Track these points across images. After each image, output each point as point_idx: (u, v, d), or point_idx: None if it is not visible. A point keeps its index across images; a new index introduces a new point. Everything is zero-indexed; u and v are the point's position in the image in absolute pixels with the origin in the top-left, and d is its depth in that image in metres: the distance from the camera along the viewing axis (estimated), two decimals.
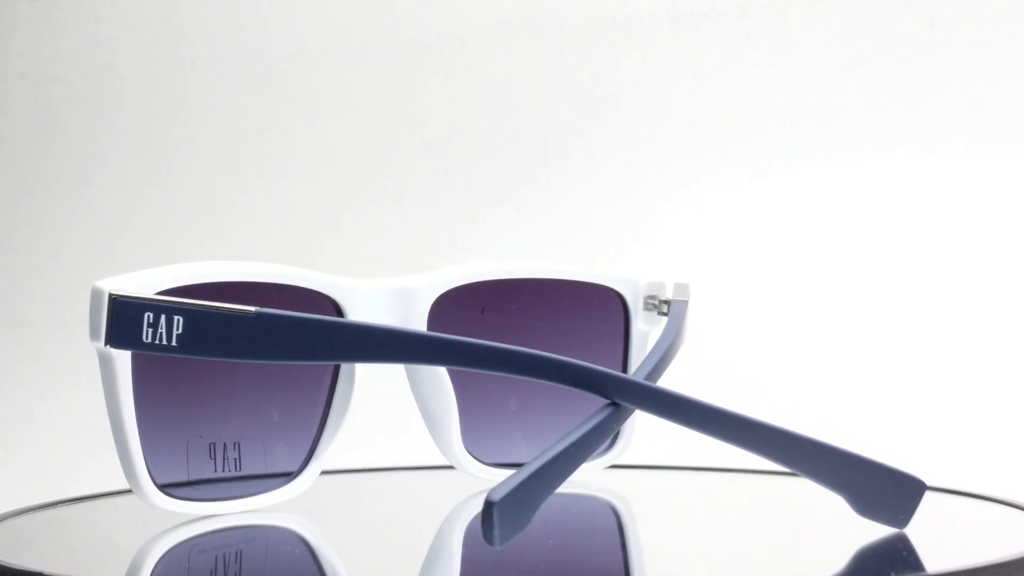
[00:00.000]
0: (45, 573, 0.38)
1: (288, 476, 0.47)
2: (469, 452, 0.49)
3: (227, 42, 1.04)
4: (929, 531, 0.45)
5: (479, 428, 0.50)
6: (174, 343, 0.39)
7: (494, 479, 0.48)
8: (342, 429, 0.47)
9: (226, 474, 0.46)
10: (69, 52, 1.07)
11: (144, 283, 0.43)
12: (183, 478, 0.45)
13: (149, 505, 0.44)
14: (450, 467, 0.50)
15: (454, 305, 0.48)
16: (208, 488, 0.45)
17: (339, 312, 0.47)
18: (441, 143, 1.00)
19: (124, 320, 0.40)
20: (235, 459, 0.46)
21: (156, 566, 0.42)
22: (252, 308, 0.39)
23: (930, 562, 0.40)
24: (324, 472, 0.48)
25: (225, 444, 0.46)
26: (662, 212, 0.95)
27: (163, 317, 0.40)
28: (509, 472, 0.38)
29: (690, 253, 0.93)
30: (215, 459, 0.46)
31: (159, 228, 1.04)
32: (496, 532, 0.37)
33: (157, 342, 0.40)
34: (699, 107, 0.95)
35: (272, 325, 0.40)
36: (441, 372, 0.48)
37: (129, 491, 0.45)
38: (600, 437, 0.40)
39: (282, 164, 1.03)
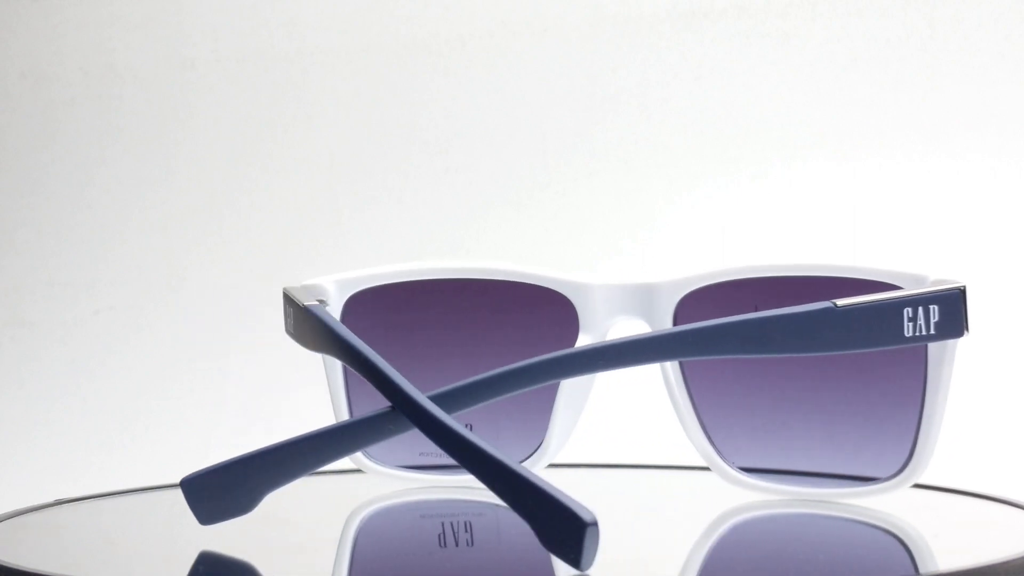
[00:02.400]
0: None
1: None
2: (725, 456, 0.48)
3: (227, 42, 1.04)
4: (929, 531, 0.45)
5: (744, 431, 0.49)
6: None
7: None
8: None
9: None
10: (69, 52, 1.07)
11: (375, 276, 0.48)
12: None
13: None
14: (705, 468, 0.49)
15: (700, 304, 0.47)
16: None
17: (573, 310, 0.47)
18: (441, 143, 1.00)
19: None
20: None
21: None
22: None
23: (930, 562, 0.40)
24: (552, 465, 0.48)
25: None
26: (662, 212, 0.95)
27: None
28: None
29: (690, 253, 0.93)
30: None
31: (159, 228, 1.04)
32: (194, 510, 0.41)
33: None
34: (699, 107, 0.95)
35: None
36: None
37: (129, 491, 0.45)
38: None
39: (282, 164, 1.03)
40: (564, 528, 0.36)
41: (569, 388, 0.47)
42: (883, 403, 0.48)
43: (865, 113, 0.92)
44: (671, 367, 0.47)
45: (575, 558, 0.36)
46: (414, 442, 0.45)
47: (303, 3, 1.03)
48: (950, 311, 0.44)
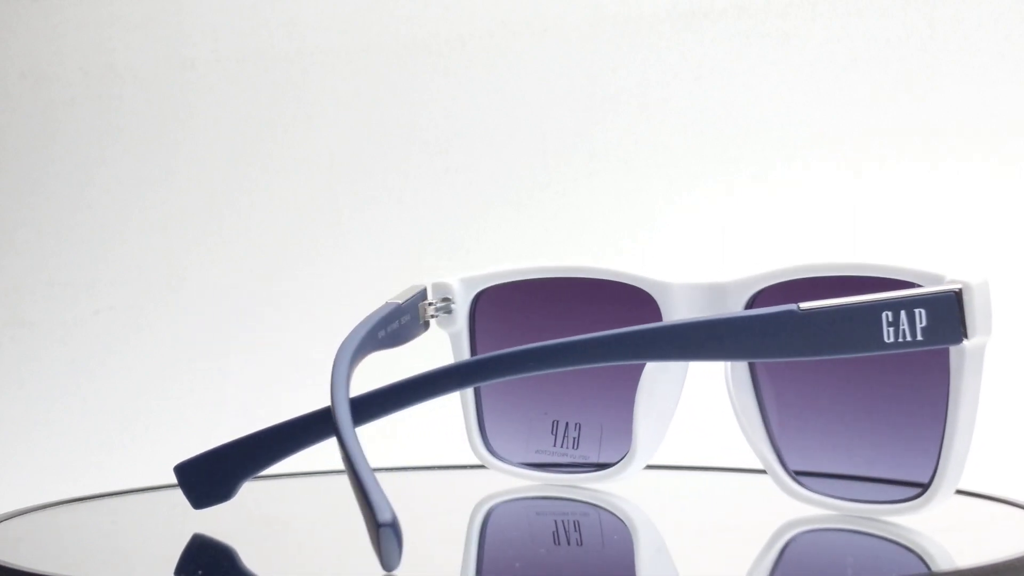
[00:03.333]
0: None
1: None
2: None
3: (227, 42, 1.04)
4: (930, 531, 0.45)
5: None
6: None
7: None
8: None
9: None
10: (69, 52, 1.07)
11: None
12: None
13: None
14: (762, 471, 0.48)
15: (768, 303, 0.47)
16: None
17: (656, 307, 0.48)
18: (441, 143, 1.00)
19: None
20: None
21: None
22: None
23: (930, 562, 0.40)
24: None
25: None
26: (662, 212, 0.95)
27: None
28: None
29: (690, 253, 0.93)
30: None
31: (159, 228, 1.04)
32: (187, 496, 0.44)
33: None
34: (699, 107, 0.95)
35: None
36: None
37: (129, 491, 0.45)
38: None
39: (282, 164, 1.03)
40: (371, 526, 0.36)
41: (649, 394, 0.48)
42: (913, 411, 0.47)
43: (865, 113, 0.92)
44: (739, 368, 0.47)
45: (378, 557, 0.36)
46: (530, 440, 0.50)
47: (303, 3, 1.03)
48: (941, 316, 0.42)
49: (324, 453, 0.46)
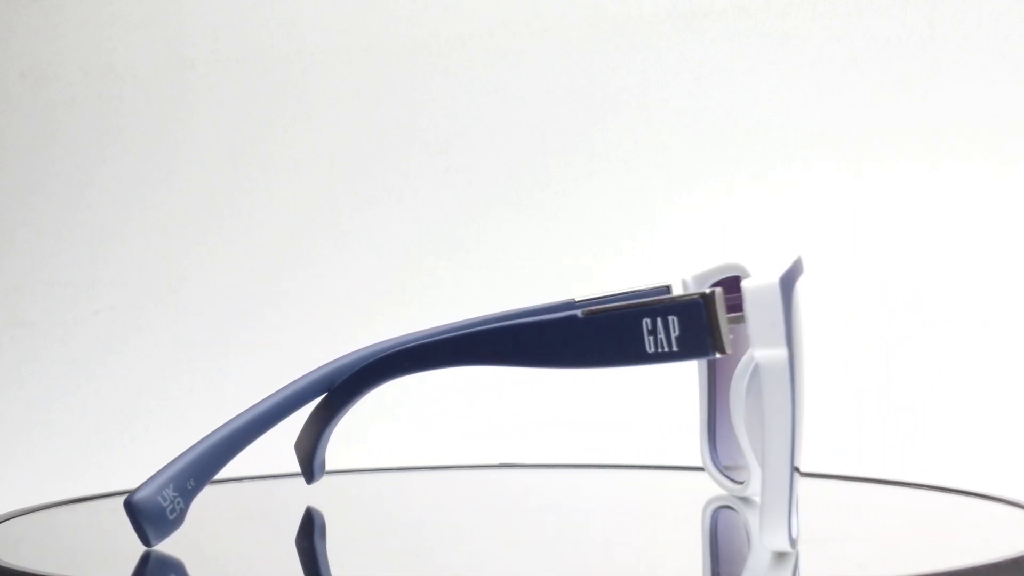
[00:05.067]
0: None
1: None
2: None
3: (227, 42, 1.04)
4: (929, 531, 0.45)
5: None
6: None
7: None
8: None
9: None
10: (69, 52, 1.07)
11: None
12: None
13: None
14: None
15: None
16: None
17: None
18: (441, 143, 1.00)
19: None
20: None
21: None
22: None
23: (930, 562, 0.40)
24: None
25: None
26: (662, 212, 0.95)
27: None
28: None
29: (689, 253, 0.93)
30: None
31: (159, 228, 1.04)
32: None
33: None
34: (699, 107, 0.95)
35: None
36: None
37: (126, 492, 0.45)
38: None
39: (282, 164, 1.03)
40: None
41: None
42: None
43: (865, 113, 0.92)
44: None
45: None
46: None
47: (303, 3, 1.03)
48: (691, 324, 0.37)
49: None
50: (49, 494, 0.54)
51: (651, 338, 0.38)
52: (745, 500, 0.48)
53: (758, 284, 0.37)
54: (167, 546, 0.43)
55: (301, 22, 1.03)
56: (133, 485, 0.44)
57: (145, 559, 0.43)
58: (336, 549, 0.46)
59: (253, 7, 1.04)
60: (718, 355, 0.37)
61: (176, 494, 0.43)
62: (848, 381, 0.88)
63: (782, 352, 0.37)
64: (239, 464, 0.48)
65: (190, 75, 1.05)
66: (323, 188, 1.02)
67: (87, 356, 1.03)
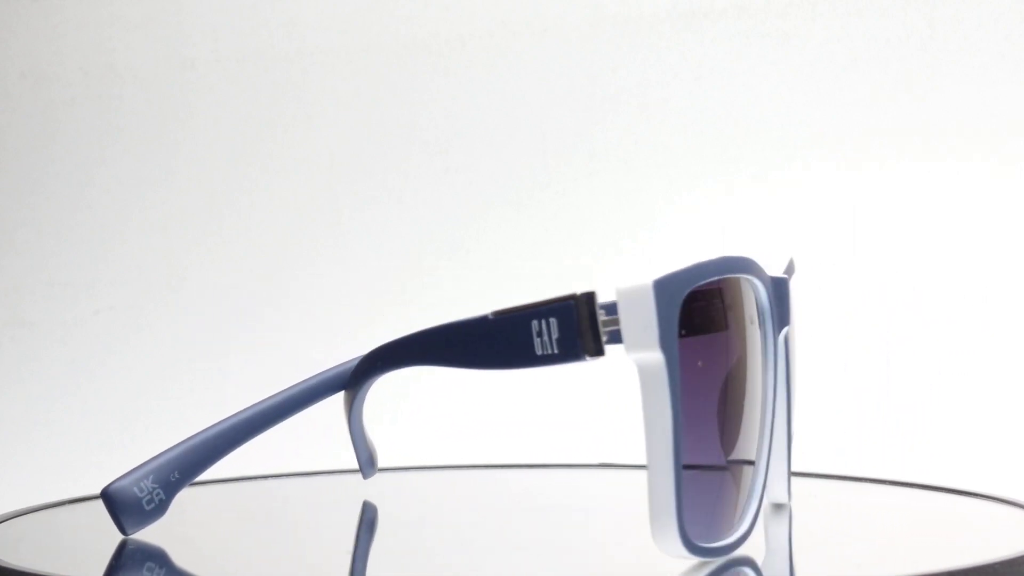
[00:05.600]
0: None
1: None
2: None
3: (227, 42, 1.04)
4: (929, 531, 0.45)
5: None
6: None
7: None
8: None
9: None
10: (69, 52, 1.07)
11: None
12: None
13: None
14: None
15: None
16: None
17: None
18: (441, 143, 1.00)
19: None
20: None
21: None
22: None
23: (930, 562, 0.40)
24: None
25: None
26: (662, 212, 0.95)
27: None
28: None
29: (689, 253, 0.93)
30: None
31: (159, 228, 1.04)
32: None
33: None
34: (699, 107, 0.95)
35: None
36: None
37: None
38: None
39: (282, 164, 1.03)
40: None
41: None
42: None
43: (865, 113, 0.92)
44: None
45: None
46: None
47: (303, 3, 1.03)
48: (566, 326, 0.37)
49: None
50: (49, 494, 0.54)
51: (539, 340, 0.37)
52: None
53: (630, 286, 0.36)
54: (146, 535, 0.44)
55: (301, 22, 1.03)
56: None
57: (121, 548, 0.43)
58: (336, 549, 0.46)
59: (253, 7, 1.04)
60: (588, 359, 0.36)
61: (156, 485, 0.45)
62: (848, 381, 0.88)
63: (656, 356, 0.36)
64: (243, 464, 0.48)
65: (190, 75, 1.05)
66: (323, 188, 1.02)
67: (87, 356, 1.03)
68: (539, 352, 0.37)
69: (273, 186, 1.03)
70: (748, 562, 0.41)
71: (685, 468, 0.37)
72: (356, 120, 1.01)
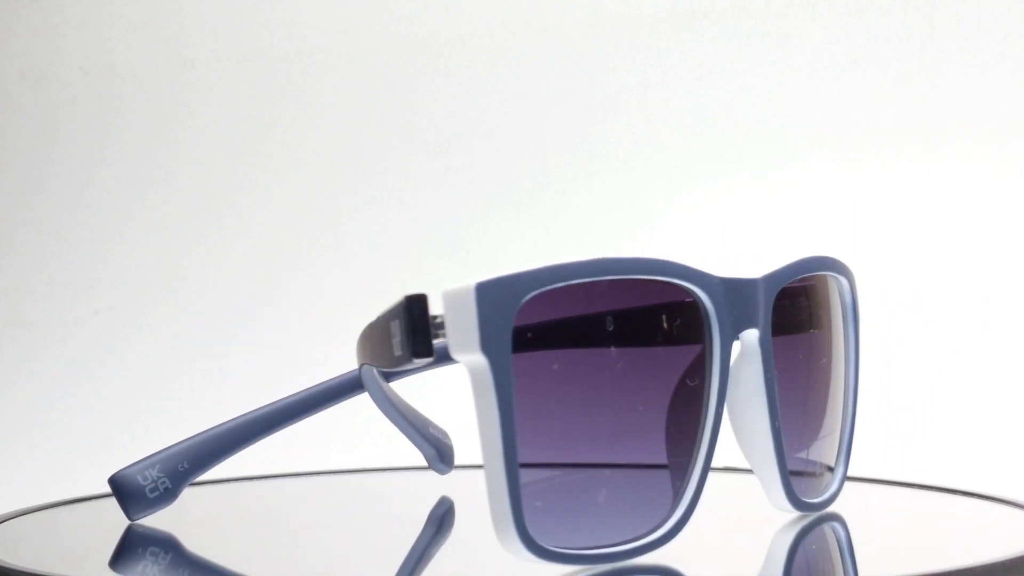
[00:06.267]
0: None
1: None
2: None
3: (227, 42, 1.04)
4: (929, 531, 0.45)
5: None
6: None
7: None
8: None
9: None
10: (69, 52, 1.07)
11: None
12: None
13: None
14: None
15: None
16: None
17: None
18: (441, 143, 1.00)
19: None
20: None
21: None
22: None
23: (930, 562, 0.40)
24: None
25: None
26: (662, 212, 0.95)
27: None
28: None
29: (689, 254, 0.93)
30: None
31: (159, 228, 1.04)
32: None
33: None
34: (699, 107, 0.95)
35: None
36: None
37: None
38: None
39: (282, 164, 1.03)
40: None
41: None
42: None
43: (865, 113, 0.92)
44: None
45: None
46: None
47: (303, 3, 1.03)
48: (404, 328, 0.36)
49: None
50: (49, 494, 0.54)
51: (395, 341, 0.36)
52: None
53: (454, 289, 0.36)
54: (146, 535, 0.44)
55: (301, 22, 1.03)
56: None
57: (121, 548, 0.44)
58: (335, 549, 0.46)
59: (253, 7, 1.04)
60: (418, 361, 0.35)
61: (162, 475, 0.47)
62: None
63: (479, 359, 0.35)
64: (243, 464, 0.48)
65: (190, 75, 1.05)
66: (323, 188, 1.02)
67: (87, 356, 1.03)
68: (396, 353, 0.36)
69: (273, 186, 1.03)
70: (747, 562, 0.41)
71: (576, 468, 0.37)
72: (356, 120, 1.01)
